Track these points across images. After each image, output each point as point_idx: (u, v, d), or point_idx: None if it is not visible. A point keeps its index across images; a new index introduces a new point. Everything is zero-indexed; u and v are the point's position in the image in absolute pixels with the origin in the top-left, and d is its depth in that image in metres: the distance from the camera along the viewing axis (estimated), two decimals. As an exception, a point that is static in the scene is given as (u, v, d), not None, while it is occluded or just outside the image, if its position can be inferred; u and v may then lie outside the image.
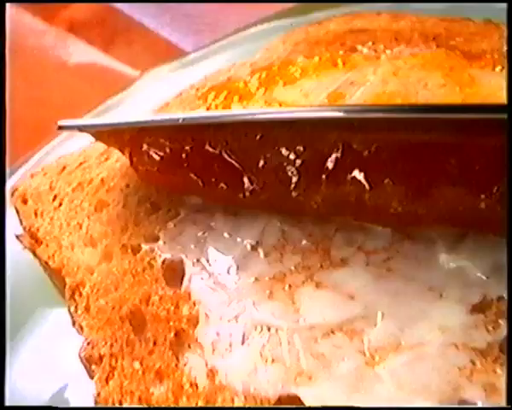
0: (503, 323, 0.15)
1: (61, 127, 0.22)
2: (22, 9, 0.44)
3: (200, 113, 0.22)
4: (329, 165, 0.16)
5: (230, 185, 0.17)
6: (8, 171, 0.30)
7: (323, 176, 0.16)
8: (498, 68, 0.24)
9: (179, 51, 0.42)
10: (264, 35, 0.32)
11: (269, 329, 0.15)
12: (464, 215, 0.16)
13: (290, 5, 0.38)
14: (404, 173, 0.16)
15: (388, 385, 0.14)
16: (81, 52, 0.43)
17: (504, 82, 0.23)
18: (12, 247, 0.24)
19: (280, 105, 0.24)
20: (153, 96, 0.30)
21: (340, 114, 0.19)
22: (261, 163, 0.16)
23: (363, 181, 0.16)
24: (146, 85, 0.31)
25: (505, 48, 0.25)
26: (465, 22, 0.27)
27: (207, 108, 0.25)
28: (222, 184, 0.17)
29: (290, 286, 0.16)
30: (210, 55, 0.32)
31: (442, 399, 0.13)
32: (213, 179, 0.17)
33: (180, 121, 0.19)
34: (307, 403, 0.14)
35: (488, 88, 0.23)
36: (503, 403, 0.14)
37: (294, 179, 0.16)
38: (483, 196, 0.16)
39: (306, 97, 0.25)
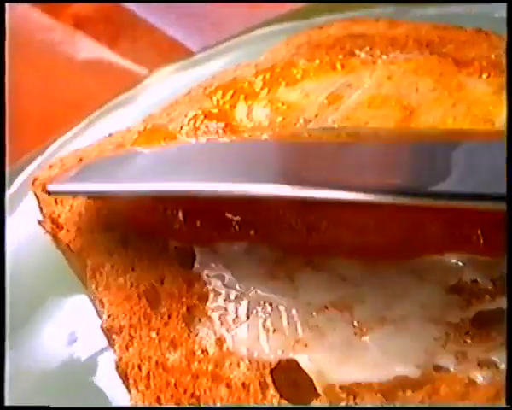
0: (474, 302, 0.18)
1: (50, 193, 0.22)
2: (31, 5, 0.46)
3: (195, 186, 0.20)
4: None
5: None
6: (23, 161, 0.33)
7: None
8: (485, 76, 0.27)
9: (184, 49, 0.45)
10: (267, 37, 0.35)
11: (270, 305, 0.18)
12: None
13: (292, 7, 0.41)
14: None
15: (373, 352, 0.16)
16: (88, 48, 0.45)
17: (489, 88, 0.26)
18: (27, 234, 0.27)
19: (282, 104, 0.27)
20: (161, 95, 0.33)
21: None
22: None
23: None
24: (154, 84, 0.34)
25: (493, 56, 0.29)
26: (457, 30, 0.30)
27: (216, 106, 0.28)
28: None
29: (290, 269, 0.18)
30: (216, 55, 0.35)
31: (419, 364, 0.16)
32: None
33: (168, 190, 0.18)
34: (303, 366, 0.17)
35: (474, 94, 0.26)
36: (474, 371, 0.16)
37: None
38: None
39: (307, 98, 0.28)
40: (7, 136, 0.32)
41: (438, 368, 0.17)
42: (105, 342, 0.21)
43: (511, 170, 0.17)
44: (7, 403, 0.22)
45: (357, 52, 0.30)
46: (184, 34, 0.45)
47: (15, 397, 0.23)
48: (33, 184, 0.26)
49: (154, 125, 0.27)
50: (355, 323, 0.18)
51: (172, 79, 0.36)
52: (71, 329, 0.24)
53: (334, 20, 0.34)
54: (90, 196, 0.22)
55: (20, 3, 0.48)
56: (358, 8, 0.36)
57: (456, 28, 0.31)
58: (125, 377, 0.19)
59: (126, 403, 0.20)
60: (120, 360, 0.18)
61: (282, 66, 0.30)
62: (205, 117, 0.26)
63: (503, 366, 0.17)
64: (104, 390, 0.21)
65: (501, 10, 0.32)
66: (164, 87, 0.35)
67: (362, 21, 0.33)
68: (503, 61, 0.28)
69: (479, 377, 0.17)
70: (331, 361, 0.17)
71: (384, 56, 0.30)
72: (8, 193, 0.31)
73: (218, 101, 0.29)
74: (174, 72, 0.37)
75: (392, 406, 0.17)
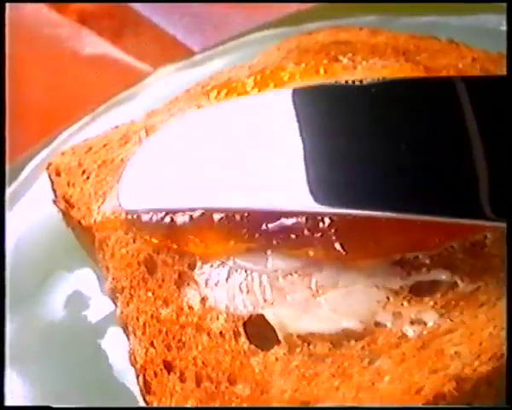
0: (414, 274, 0.23)
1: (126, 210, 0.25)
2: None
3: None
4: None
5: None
6: (35, 148, 0.38)
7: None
8: None
9: (185, 48, 0.51)
10: (263, 41, 0.41)
11: (246, 271, 0.24)
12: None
13: (290, 9, 0.47)
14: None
15: (325, 309, 0.22)
16: (93, 44, 0.51)
17: None
18: (42, 211, 0.32)
19: None
20: (163, 92, 0.38)
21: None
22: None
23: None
24: (156, 81, 0.40)
25: (460, 65, 0.34)
26: (432, 40, 0.35)
27: (212, 103, 0.34)
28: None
29: (263, 245, 0.24)
30: (214, 57, 0.41)
31: (362, 320, 0.22)
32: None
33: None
34: (269, 319, 0.22)
35: None
36: (406, 327, 0.21)
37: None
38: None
39: None
40: (13, 126, 0.38)
41: (377, 324, 0.22)
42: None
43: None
44: (7, 403, 0.27)
45: (340, 58, 0.36)
46: (186, 33, 0.51)
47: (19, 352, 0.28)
48: (48, 168, 0.32)
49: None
50: (313, 286, 0.23)
51: (173, 78, 0.41)
52: (77, 296, 0.30)
53: (323, 27, 0.40)
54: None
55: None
56: (350, 15, 0.42)
57: (431, 38, 0.36)
58: (125, 327, 0.24)
59: (124, 367, 0.25)
60: (122, 313, 0.24)
61: (272, 68, 0.35)
62: None
63: (431, 324, 0.22)
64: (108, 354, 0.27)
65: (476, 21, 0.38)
66: (165, 85, 0.41)
67: (347, 29, 0.38)
68: (468, 69, 0.33)
69: (410, 331, 0.22)
70: (291, 316, 0.22)
71: (364, 62, 0.35)
72: (22, 177, 0.37)
73: (212, 98, 0.34)
74: (175, 71, 0.42)
75: (392, 406, 0.22)
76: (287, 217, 0.24)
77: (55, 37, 0.50)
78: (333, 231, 0.23)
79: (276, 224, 0.24)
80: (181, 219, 0.26)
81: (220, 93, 0.35)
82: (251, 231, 0.25)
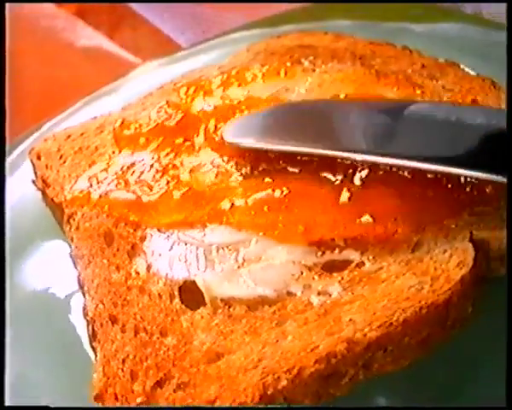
0: (328, 253, 0.28)
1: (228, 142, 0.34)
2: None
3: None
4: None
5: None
6: (23, 135, 0.45)
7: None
8: (395, 89, 0.37)
9: (175, 45, 0.57)
10: (238, 42, 0.47)
11: (186, 244, 0.30)
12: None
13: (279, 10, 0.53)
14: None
15: (246, 279, 0.28)
16: (88, 36, 0.58)
17: (395, 97, 0.37)
18: (22, 192, 0.39)
19: (230, 101, 0.39)
20: (142, 86, 0.45)
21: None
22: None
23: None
24: (138, 76, 0.46)
25: (410, 70, 0.39)
26: (388, 47, 0.41)
27: (180, 99, 0.40)
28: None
29: (202, 222, 0.30)
30: (195, 54, 0.47)
31: (276, 289, 0.28)
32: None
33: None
34: (198, 284, 0.28)
35: None
36: (313, 297, 0.27)
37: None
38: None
39: (250, 97, 0.39)
40: (11, 112, 0.45)
41: (289, 293, 0.29)
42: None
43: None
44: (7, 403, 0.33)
45: (303, 61, 0.42)
46: (177, 32, 0.57)
47: None
48: (30, 152, 0.39)
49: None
50: (239, 259, 0.29)
51: (154, 74, 0.48)
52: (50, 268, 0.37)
53: (297, 31, 0.45)
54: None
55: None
56: (326, 18, 0.48)
57: (388, 44, 0.42)
58: (82, 287, 0.31)
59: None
60: (80, 275, 0.31)
61: (238, 69, 0.42)
62: (169, 107, 0.38)
63: (335, 295, 0.28)
64: (76, 328, 0.33)
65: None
66: (145, 80, 0.48)
67: (312, 33, 0.44)
68: (415, 76, 0.39)
69: (315, 300, 0.28)
70: (217, 282, 0.29)
71: (323, 66, 0.41)
72: (9, 160, 0.44)
73: (182, 95, 0.40)
74: (157, 67, 0.49)
75: (392, 406, 0.28)
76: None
77: (50, 28, 0.58)
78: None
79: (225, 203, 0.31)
80: (146, 197, 0.33)
81: (189, 90, 0.42)
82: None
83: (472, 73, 0.40)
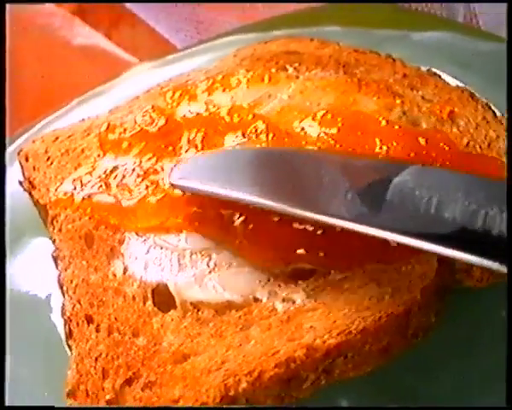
0: (293, 262, 0.30)
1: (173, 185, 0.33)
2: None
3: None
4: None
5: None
6: (15, 134, 0.48)
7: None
8: (375, 98, 0.38)
9: (172, 45, 0.59)
10: (231, 45, 0.48)
11: (161, 248, 0.32)
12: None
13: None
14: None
15: (215, 283, 0.30)
16: (85, 34, 0.60)
17: (375, 107, 0.38)
18: (13, 189, 0.41)
19: (214, 106, 0.40)
20: (132, 89, 0.47)
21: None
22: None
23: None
24: (128, 79, 0.48)
25: (391, 80, 0.41)
26: (372, 55, 0.43)
27: (166, 103, 0.42)
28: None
29: (178, 229, 0.32)
30: (185, 57, 0.49)
31: (243, 294, 0.29)
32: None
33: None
34: (170, 288, 0.30)
35: (365, 111, 0.38)
36: (278, 303, 0.29)
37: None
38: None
39: (234, 102, 0.40)
40: (8, 109, 0.47)
41: (255, 299, 0.31)
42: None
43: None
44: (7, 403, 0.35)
45: (287, 67, 0.44)
46: (171, 32, 0.59)
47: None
48: (19, 154, 0.41)
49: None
50: (211, 265, 0.31)
51: (145, 76, 0.50)
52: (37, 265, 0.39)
53: (288, 36, 0.47)
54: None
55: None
56: (315, 24, 0.49)
57: (372, 53, 0.43)
58: (61, 287, 0.33)
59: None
60: (60, 275, 0.33)
61: (224, 74, 0.43)
62: (153, 111, 0.40)
63: (298, 302, 0.30)
64: (57, 326, 0.35)
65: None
66: (136, 82, 0.49)
67: (299, 40, 0.46)
68: (396, 85, 0.40)
69: (279, 307, 0.30)
70: (188, 286, 0.30)
71: (307, 73, 0.43)
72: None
73: (168, 99, 0.42)
74: (149, 69, 0.51)
75: (392, 406, 0.29)
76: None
77: (47, 26, 0.60)
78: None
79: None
80: (125, 201, 0.35)
81: (175, 94, 0.44)
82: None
83: (452, 83, 0.41)
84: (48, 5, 0.62)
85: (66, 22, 0.61)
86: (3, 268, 0.40)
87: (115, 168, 0.39)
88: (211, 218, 0.33)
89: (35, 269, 0.40)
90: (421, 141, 0.37)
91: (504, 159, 0.35)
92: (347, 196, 0.29)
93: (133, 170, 0.39)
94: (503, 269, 0.26)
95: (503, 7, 0.47)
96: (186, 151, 0.39)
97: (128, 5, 0.64)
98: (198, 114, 0.40)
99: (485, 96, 0.41)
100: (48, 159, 0.41)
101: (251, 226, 0.31)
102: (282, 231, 0.31)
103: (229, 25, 0.57)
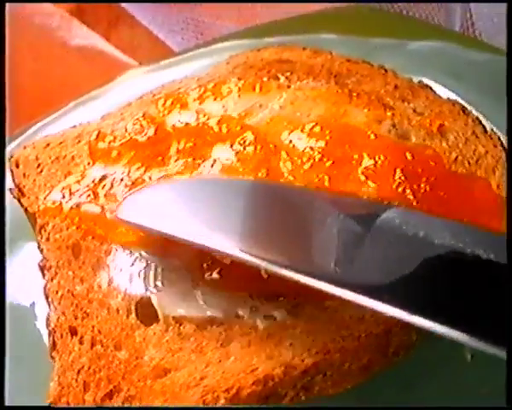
0: None
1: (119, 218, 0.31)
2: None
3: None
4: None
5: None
6: (7, 138, 0.48)
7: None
8: (366, 110, 0.38)
9: (167, 47, 0.59)
10: (224, 51, 0.48)
11: (146, 261, 0.33)
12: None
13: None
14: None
15: (198, 300, 0.30)
16: (83, 35, 0.60)
17: (365, 119, 0.38)
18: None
19: (204, 115, 0.40)
20: (126, 94, 0.47)
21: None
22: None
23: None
24: (122, 83, 0.48)
25: (382, 91, 0.40)
26: (364, 65, 0.43)
27: (158, 111, 0.42)
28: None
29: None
30: (177, 63, 0.49)
31: (224, 310, 0.30)
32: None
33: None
34: (153, 302, 0.31)
35: (354, 123, 0.38)
36: (259, 320, 0.29)
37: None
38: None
39: (225, 112, 0.40)
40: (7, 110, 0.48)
41: (237, 315, 0.31)
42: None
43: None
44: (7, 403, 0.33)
45: (279, 76, 0.43)
46: (168, 35, 0.59)
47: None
48: (9, 160, 0.41)
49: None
50: (194, 280, 0.31)
51: (139, 80, 0.50)
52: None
53: (281, 43, 0.47)
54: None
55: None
56: (312, 32, 0.49)
57: (364, 63, 0.43)
58: (47, 297, 0.33)
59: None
60: (46, 286, 0.34)
61: (215, 82, 0.43)
62: (144, 119, 0.40)
63: (279, 319, 0.30)
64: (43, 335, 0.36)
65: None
66: (131, 87, 0.49)
67: (291, 48, 0.46)
68: (387, 97, 0.40)
69: (260, 324, 0.30)
70: (172, 301, 0.31)
71: (298, 83, 0.43)
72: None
73: (159, 107, 0.42)
74: (144, 74, 0.51)
75: (392, 406, 0.30)
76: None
77: (45, 26, 0.60)
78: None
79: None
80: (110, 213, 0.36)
81: (166, 102, 0.44)
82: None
83: (444, 95, 0.41)
84: (46, 5, 0.63)
85: (64, 22, 0.62)
86: (3, 269, 0.41)
87: (104, 177, 0.40)
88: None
89: (26, 275, 0.41)
90: (409, 156, 0.37)
91: (492, 178, 0.36)
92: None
93: (121, 180, 0.39)
94: None
95: (502, 16, 0.46)
96: (175, 161, 0.40)
97: (125, 6, 0.65)
98: (187, 124, 0.41)
99: (477, 108, 0.41)
100: (38, 166, 0.41)
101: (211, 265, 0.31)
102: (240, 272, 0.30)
103: (226, 29, 0.57)
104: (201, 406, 0.29)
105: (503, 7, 0.46)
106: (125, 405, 0.30)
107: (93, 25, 0.66)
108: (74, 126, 0.45)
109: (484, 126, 0.39)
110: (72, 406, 0.30)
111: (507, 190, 0.31)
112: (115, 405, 0.30)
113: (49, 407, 0.31)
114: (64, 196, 0.40)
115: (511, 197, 0.29)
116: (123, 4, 0.64)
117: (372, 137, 0.38)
